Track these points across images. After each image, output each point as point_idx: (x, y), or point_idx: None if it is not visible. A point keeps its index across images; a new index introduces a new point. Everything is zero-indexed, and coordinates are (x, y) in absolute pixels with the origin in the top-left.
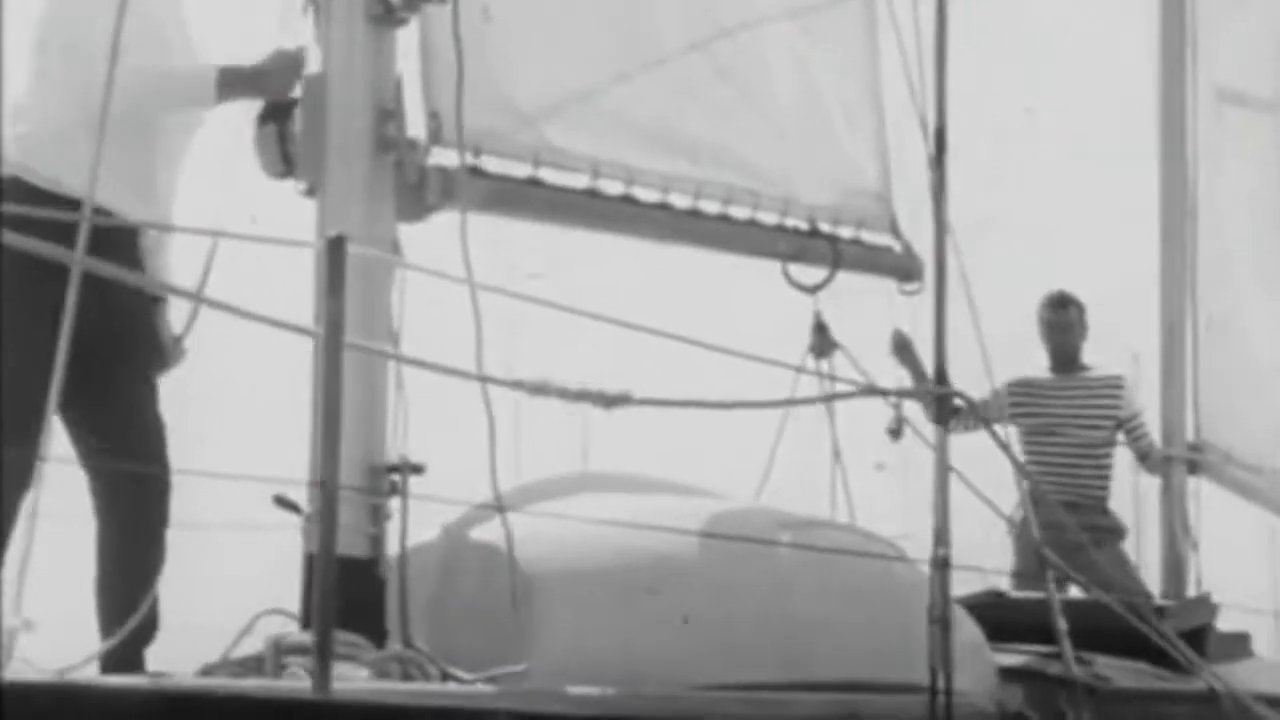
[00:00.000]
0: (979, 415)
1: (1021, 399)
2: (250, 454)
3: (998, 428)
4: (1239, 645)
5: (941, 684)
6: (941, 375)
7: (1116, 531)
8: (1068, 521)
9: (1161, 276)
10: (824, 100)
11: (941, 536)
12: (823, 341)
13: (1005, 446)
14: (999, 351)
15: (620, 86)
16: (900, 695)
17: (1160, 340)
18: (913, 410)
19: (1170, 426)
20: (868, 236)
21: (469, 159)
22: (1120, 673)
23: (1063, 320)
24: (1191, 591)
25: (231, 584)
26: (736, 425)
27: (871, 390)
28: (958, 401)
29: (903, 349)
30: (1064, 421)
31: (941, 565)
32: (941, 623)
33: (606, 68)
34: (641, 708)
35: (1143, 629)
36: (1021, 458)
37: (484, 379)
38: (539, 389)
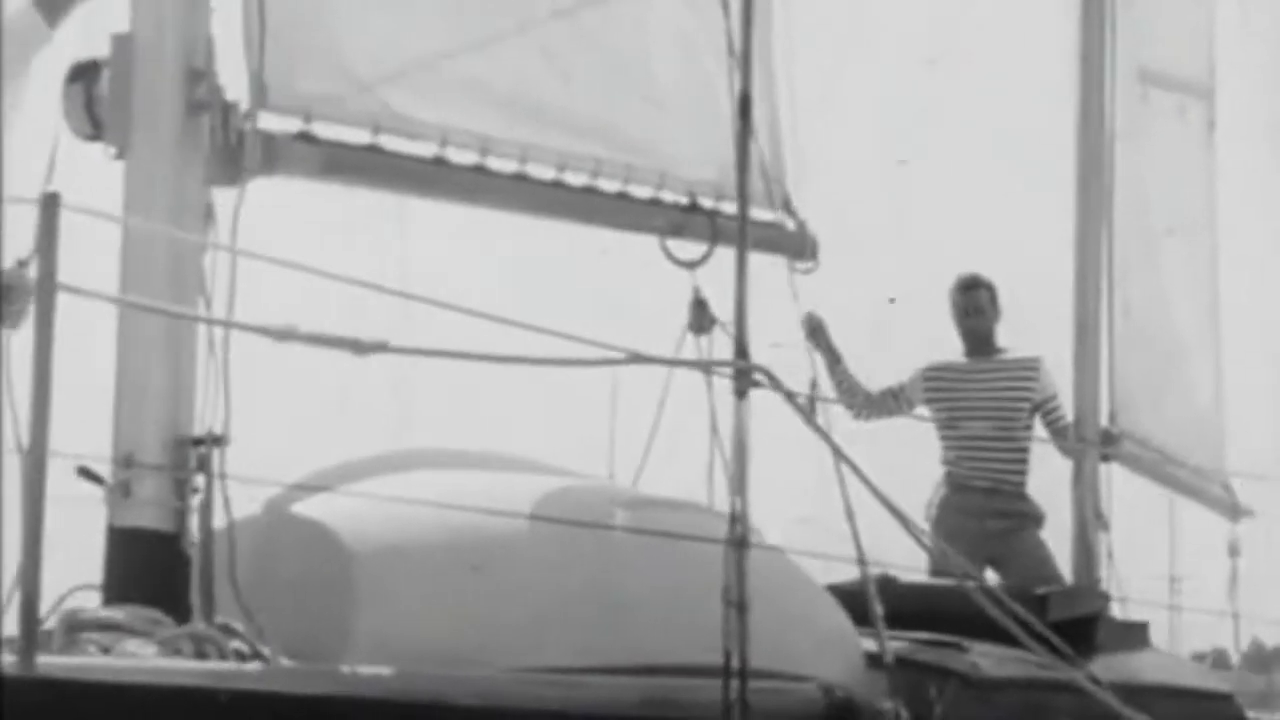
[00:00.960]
0: (782, 390)
1: (936, 384)
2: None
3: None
4: (1135, 635)
5: (736, 667)
6: (742, 350)
7: (1034, 517)
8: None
9: (1076, 260)
10: (707, 72)
11: (739, 516)
12: (701, 317)
13: (818, 428)
14: (903, 327)
15: (475, 53)
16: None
17: (1073, 326)
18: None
19: (1083, 412)
20: (755, 213)
21: (297, 124)
22: (999, 661)
23: (973, 302)
24: (1106, 579)
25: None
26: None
27: (664, 360)
28: (758, 377)
29: (816, 332)
30: (979, 406)
31: (739, 545)
32: (738, 606)
33: (460, 33)
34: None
35: (1023, 618)
36: (940, 444)
37: (227, 324)
38: (285, 334)
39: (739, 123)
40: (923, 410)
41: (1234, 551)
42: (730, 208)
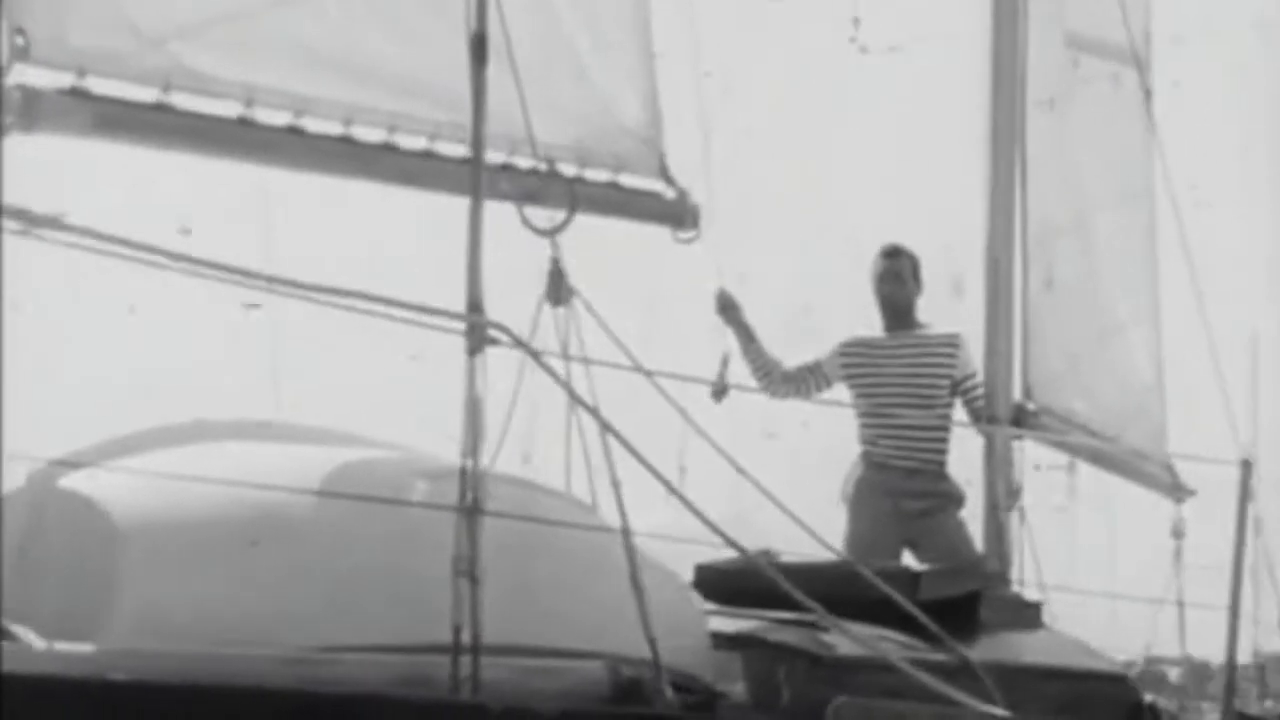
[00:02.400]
0: (523, 346)
1: (853, 359)
2: None
3: None
4: (1025, 615)
5: (467, 641)
6: (475, 304)
7: (955, 498)
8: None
9: (987, 231)
10: (565, 33)
11: (474, 481)
12: (558, 288)
13: (575, 394)
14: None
15: (291, 9)
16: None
17: (984, 300)
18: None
19: (994, 387)
20: (629, 180)
21: (70, 80)
22: (869, 642)
23: (894, 268)
24: (1018, 559)
25: None
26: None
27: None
28: (495, 334)
29: (727, 309)
30: (897, 383)
31: (471, 512)
32: (470, 576)
33: None
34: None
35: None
36: (857, 421)
37: None
38: None
39: (473, 65)
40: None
41: (1177, 533)
42: (594, 175)
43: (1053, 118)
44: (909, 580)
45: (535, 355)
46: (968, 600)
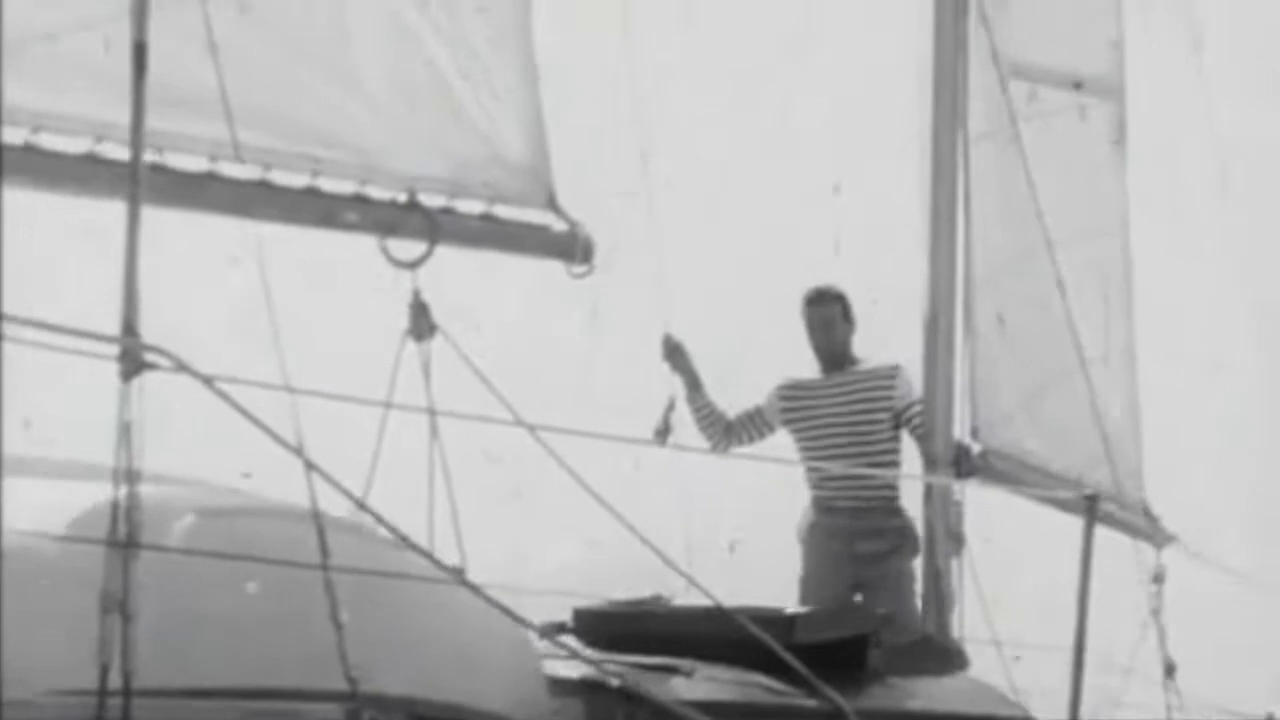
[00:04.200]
0: (189, 370)
1: (790, 403)
2: None
3: None
4: (939, 662)
5: (118, 683)
6: (130, 327)
7: (910, 536)
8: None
9: (929, 266)
10: (435, 63)
11: (130, 514)
12: (421, 322)
13: (243, 410)
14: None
15: (92, 31)
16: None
17: (923, 339)
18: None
19: (932, 428)
20: (508, 213)
21: None
22: (717, 687)
23: (823, 316)
24: (963, 602)
25: None
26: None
27: None
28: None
29: (674, 354)
30: (835, 422)
31: (125, 545)
32: (120, 610)
33: (74, 7)
34: None
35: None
36: (803, 464)
37: None
38: None
39: (134, 75)
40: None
41: (1158, 579)
42: (462, 206)
43: (1003, 150)
44: (783, 624)
45: (206, 380)
46: (853, 644)
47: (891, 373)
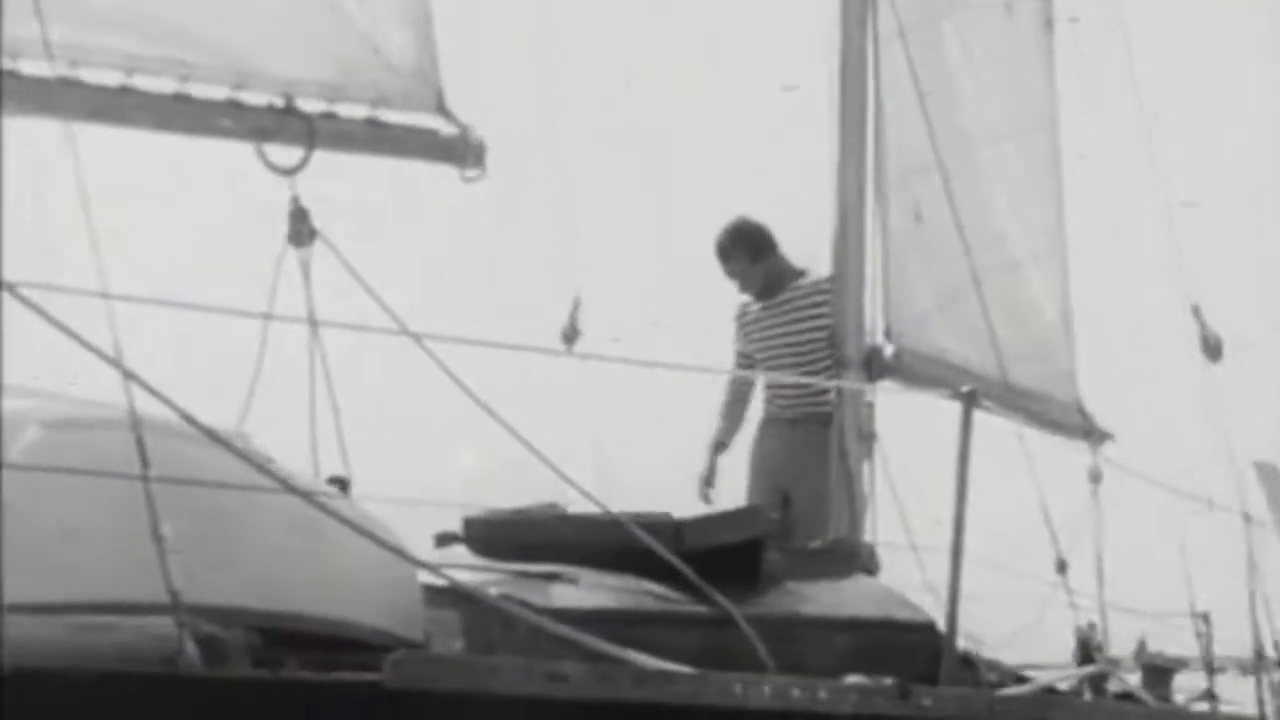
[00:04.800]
0: None
1: (743, 324)
2: None
3: None
4: (836, 565)
5: None
6: None
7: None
8: None
9: (838, 164)
10: None
11: None
12: (300, 228)
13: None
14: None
15: None
16: None
17: (833, 235)
18: None
19: (841, 329)
20: (393, 116)
21: None
22: (593, 593)
23: (730, 273)
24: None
25: None
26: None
27: None
28: None
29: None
30: (777, 343)
31: None
32: None
33: None
34: None
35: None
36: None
37: None
38: None
39: None
40: None
41: (1095, 477)
42: (342, 110)
43: (920, 44)
44: (671, 529)
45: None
46: (746, 549)
47: (824, 287)
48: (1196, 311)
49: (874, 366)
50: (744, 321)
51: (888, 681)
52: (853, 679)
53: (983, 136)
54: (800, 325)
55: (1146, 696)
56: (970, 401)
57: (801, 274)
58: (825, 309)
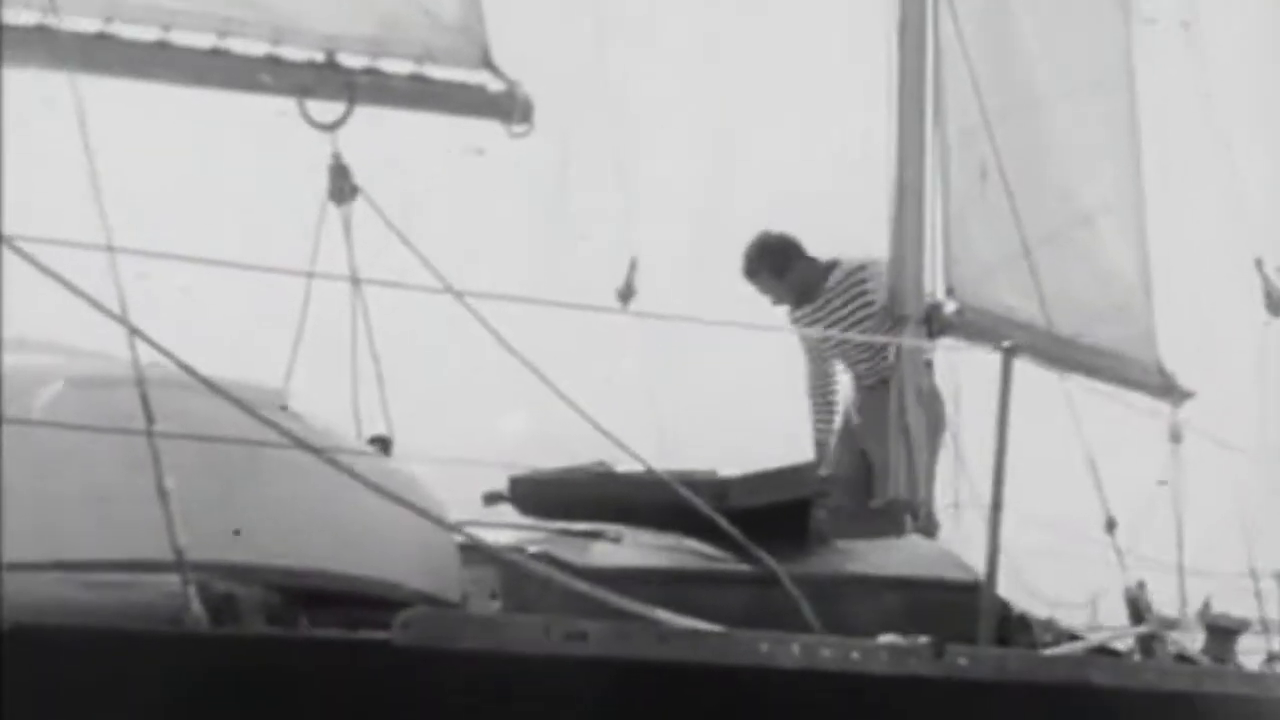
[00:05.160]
0: None
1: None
2: None
3: None
4: (883, 525)
5: None
6: None
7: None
8: None
9: (898, 119)
10: None
11: None
12: (341, 184)
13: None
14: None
15: None
16: None
17: (893, 190)
18: None
19: (898, 286)
20: (439, 72)
21: None
22: (647, 552)
23: (762, 289)
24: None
25: None
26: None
27: None
28: None
29: None
30: (829, 341)
31: None
32: None
33: None
34: None
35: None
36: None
37: None
38: None
39: None
40: None
41: (1175, 437)
42: (383, 65)
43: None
44: (717, 487)
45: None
46: (793, 508)
47: (861, 275)
48: (1260, 265)
49: (934, 323)
50: (795, 329)
51: (922, 640)
52: (886, 638)
53: (1054, 93)
54: (846, 319)
55: (1201, 658)
56: (1010, 356)
57: (832, 268)
58: (865, 292)
